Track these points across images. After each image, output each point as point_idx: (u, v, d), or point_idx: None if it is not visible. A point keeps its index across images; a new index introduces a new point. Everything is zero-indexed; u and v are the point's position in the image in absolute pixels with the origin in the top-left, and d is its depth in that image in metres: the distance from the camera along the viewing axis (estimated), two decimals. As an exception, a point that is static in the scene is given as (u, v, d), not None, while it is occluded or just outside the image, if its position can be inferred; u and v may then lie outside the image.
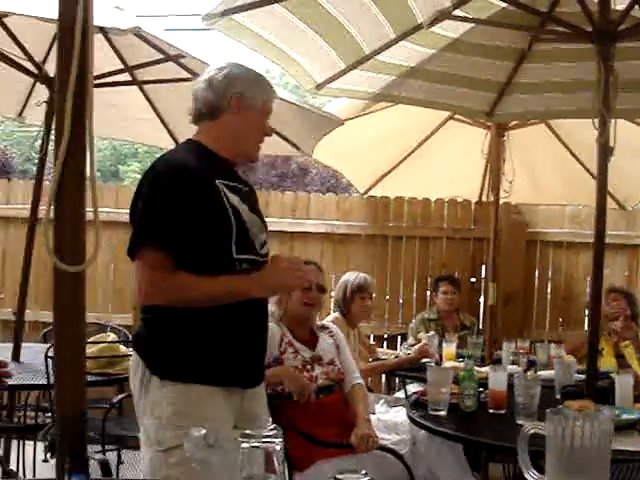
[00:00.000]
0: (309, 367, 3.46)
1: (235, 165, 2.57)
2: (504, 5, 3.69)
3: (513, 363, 4.45)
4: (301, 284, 2.34)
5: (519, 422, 2.82)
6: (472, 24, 3.84)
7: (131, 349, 4.24)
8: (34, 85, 4.75)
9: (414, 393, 3.79)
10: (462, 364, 4.20)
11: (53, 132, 4.20)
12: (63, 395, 1.41)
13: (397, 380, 5.51)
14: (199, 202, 2.32)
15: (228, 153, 2.50)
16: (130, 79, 4.64)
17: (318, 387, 3.42)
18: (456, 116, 5.51)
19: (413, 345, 4.95)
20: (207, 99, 2.48)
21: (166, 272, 2.30)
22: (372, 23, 3.53)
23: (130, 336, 5.19)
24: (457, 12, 3.65)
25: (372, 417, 3.57)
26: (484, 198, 6.23)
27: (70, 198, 1.45)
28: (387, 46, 3.75)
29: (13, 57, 4.01)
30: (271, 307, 3.32)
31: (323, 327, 3.72)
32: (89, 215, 1.49)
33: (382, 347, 5.62)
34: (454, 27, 3.82)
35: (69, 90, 1.51)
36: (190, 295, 2.33)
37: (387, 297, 6.35)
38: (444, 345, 4.69)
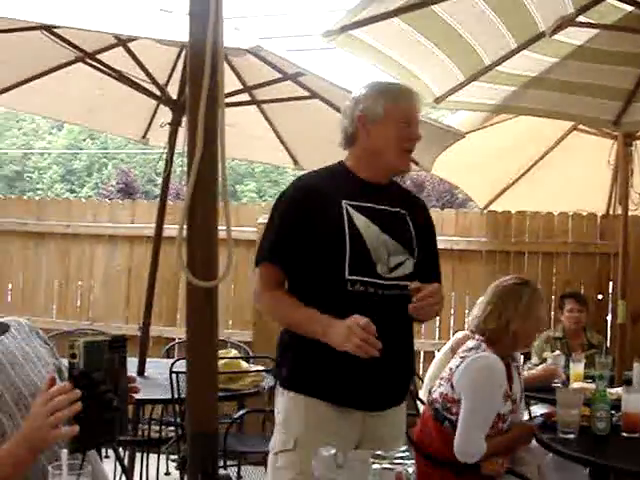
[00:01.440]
0: None
1: (385, 185, 2.56)
2: (630, 9, 3.53)
3: (644, 384, 4.21)
4: (353, 350, 2.24)
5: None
6: (596, 30, 3.70)
7: (252, 365, 4.33)
8: (157, 107, 4.92)
9: (541, 415, 3.64)
10: (591, 385, 4.03)
11: (176, 153, 4.34)
12: (195, 412, 1.41)
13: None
14: (313, 221, 2.39)
15: (369, 173, 2.53)
16: (249, 99, 4.73)
17: None
18: (580, 126, 5.33)
19: (537, 365, 4.78)
20: (343, 126, 2.56)
21: (268, 286, 2.43)
22: (492, 33, 3.45)
23: (250, 351, 5.28)
24: (580, 18, 3.53)
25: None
26: (611, 211, 5.98)
27: (203, 215, 1.46)
28: (508, 56, 3.66)
29: (137, 80, 4.15)
30: (483, 317, 3.17)
31: (513, 357, 3.30)
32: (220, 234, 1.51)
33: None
34: (577, 34, 3.69)
35: (200, 110, 1.52)
36: (275, 315, 2.50)
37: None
38: (571, 365, 4.50)
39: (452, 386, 3.10)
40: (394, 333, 2.42)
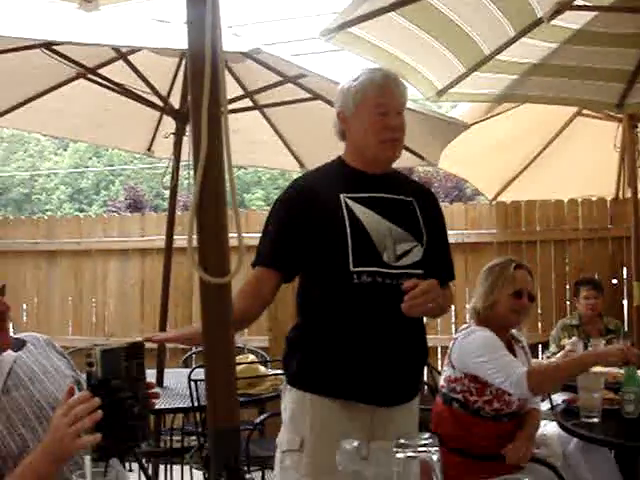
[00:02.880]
0: None
1: (384, 175, 2.52)
2: (628, -11, 3.52)
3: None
4: None
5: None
6: (595, 12, 3.68)
7: (270, 370, 4.33)
8: (160, 118, 4.93)
9: (564, 401, 3.62)
10: (611, 369, 4.01)
11: (182, 162, 4.34)
12: (216, 408, 1.41)
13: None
14: (311, 220, 2.38)
15: (362, 165, 2.50)
16: (251, 104, 4.73)
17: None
18: (584, 111, 5.31)
19: (555, 353, 4.76)
20: (335, 121, 2.56)
21: (249, 286, 2.43)
22: (490, 22, 3.44)
23: (267, 357, 5.28)
24: (578, 1, 3.52)
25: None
26: (620, 195, 5.95)
27: (212, 218, 1.47)
28: (507, 44, 3.64)
29: (139, 92, 4.17)
30: (475, 304, 3.26)
31: (516, 338, 3.37)
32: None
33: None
34: (576, 18, 3.66)
35: (203, 117, 1.53)
36: None
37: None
38: (590, 350, 4.47)
39: (452, 366, 3.18)
40: (404, 324, 2.34)
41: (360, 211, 2.39)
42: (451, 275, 2.65)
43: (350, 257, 2.33)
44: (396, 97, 2.47)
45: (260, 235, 2.50)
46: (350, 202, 2.39)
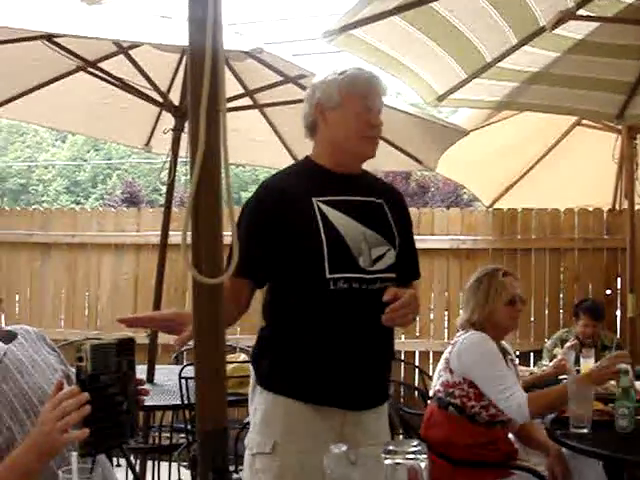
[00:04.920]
0: None
1: (355, 175, 2.47)
2: (630, 1, 3.52)
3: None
4: None
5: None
6: (597, 23, 3.68)
7: (251, 367, 4.32)
8: (160, 114, 4.92)
9: (554, 410, 3.62)
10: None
11: (180, 158, 4.33)
12: (204, 408, 1.40)
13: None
14: (284, 225, 2.30)
15: (334, 164, 2.42)
16: (251, 103, 4.72)
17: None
18: (584, 121, 5.32)
19: (549, 365, 4.75)
20: (304, 115, 2.48)
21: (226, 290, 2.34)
22: (493, 29, 3.45)
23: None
24: (581, 11, 3.51)
25: (510, 436, 3.43)
26: (617, 206, 5.96)
27: (207, 216, 1.46)
28: (509, 52, 3.65)
29: (139, 87, 4.16)
30: (470, 317, 3.26)
31: (506, 350, 3.39)
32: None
33: (515, 364, 5.42)
34: (578, 27, 3.67)
35: (201, 115, 1.52)
36: None
37: (517, 312, 6.14)
38: (582, 360, 4.47)
39: (451, 371, 3.21)
40: (376, 329, 2.32)
41: (333, 215, 2.33)
42: (417, 275, 2.61)
43: (326, 264, 2.27)
44: (380, 97, 2.44)
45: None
46: (323, 206, 2.33)
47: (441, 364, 3.34)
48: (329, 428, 2.30)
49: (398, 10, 3.08)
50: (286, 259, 2.32)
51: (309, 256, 2.29)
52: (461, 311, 3.41)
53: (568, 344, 4.69)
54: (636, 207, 5.24)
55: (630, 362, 3.18)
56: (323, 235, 2.29)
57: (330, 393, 2.31)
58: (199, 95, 1.53)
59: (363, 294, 2.32)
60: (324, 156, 2.44)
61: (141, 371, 4.34)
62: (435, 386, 3.33)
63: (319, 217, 2.31)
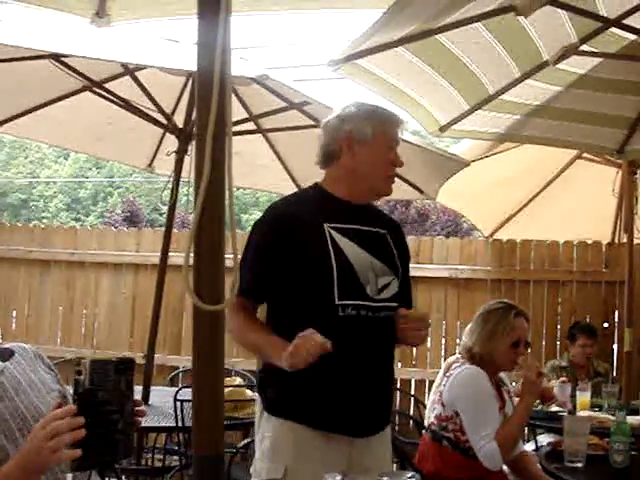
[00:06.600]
0: None
1: (363, 205, 2.52)
2: (633, 37, 3.55)
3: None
4: (305, 363, 2.17)
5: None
6: (600, 59, 3.72)
7: (257, 393, 4.30)
8: (163, 136, 4.95)
9: (549, 443, 3.60)
10: (598, 414, 4.00)
11: (182, 182, 4.35)
12: (201, 435, 1.40)
13: (526, 430, 5.28)
14: (294, 249, 2.32)
15: (348, 194, 2.47)
16: (255, 127, 4.75)
17: None
18: (584, 155, 5.35)
19: (543, 395, 4.73)
20: (323, 144, 2.50)
21: (242, 311, 2.35)
22: (496, 62, 3.47)
23: (255, 380, 5.25)
24: (584, 47, 3.54)
25: (504, 468, 3.41)
26: (616, 239, 5.97)
27: (209, 240, 1.47)
28: (512, 85, 3.68)
29: (143, 109, 4.19)
30: (472, 346, 3.25)
31: (502, 381, 3.43)
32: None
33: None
34: (581, 63, 3.71)
35: (208, 138, 1.54)
36: (240, 338, 2.44)
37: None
38: (577, 393, 4.46)
39: (443, 404, 3.20)
40: (380, 356, 2.42)
41: (343, 242, 2.37)
42: (410, 305, 2.63)
43: (335, 290, 2.30)
44: (399, 138, 2.53)
45: (240, 260, 2.38)
46: (333, 232, 2.37)
47: (434, 395, 3.33)
48: (338, 453, 2.33)
49: (403, 41, 3.10)
50: (295, 283, 2.33)
51: (319, 281, 2.32)
52: (465, 335, 3.38)
53: (562, 379, 4.69)
54: (635, 241, 5.26)
55: (537, 365, 3.40)
56: (334, 261, 2.32)
57: (339, 421, 2.34)
58: (206, 118, 1.55)
59: (370, 321, 2.36)
60: (340, 186, 2.47)
61: (136, 392, 4.31)
62: (429, 418, 3.33)
63: (330, 242, 2.34)
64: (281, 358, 2.19)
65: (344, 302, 2.31)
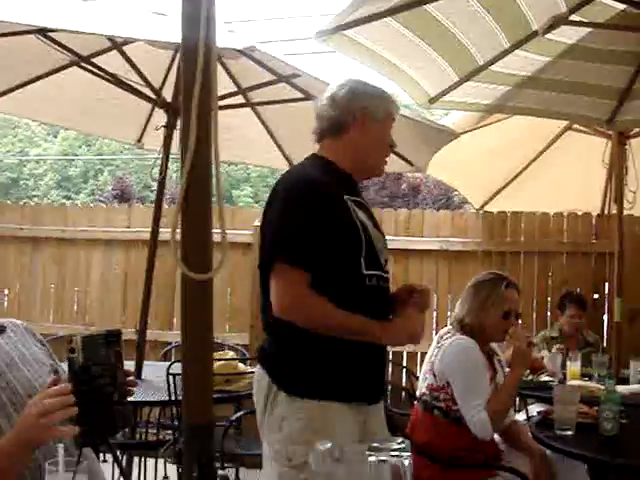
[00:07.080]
0: None
1: (357, 181, 2.58)
2: (622, 7, 3.55)
3: (640, 382, 4.23)
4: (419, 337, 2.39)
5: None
6: (589, 29, 3.71)
7: (249, 367, 4.32)
8: (152, 111, 4.92)
9: (539, 412, 3.64)
10: (588, 383, 4.04)
11: (172, 155, 4.34)
12: (190, 404, 1.41)
13: (517, 400, 5.32)
14: (331, 217, 2.33)
15: (352, 169, 2.51)
16: (243, 101, 4.73)
17: None
18: (574, 126, 5.35)
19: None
20: (331, 116, 2.50)
21: (305, 289, 2.29)
22: (485, 33, 3.46)
23: (247, 354, 5.27)
24: (573, 17, 3.53)
25: (496, 437, 3.44)
26: (606, 210, 5.99)
27: (197, 210, 1.47)
28: (501, 56, 3.67)
29: (132, 84, 4.16)
30: (463, 317, 3.30)
31: (494, 352, 3.44)
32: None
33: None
34: (570, 33, 3.70)
35: (193, 112, 1.53)
36: (324, 321, 2.32)
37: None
38: (568, 364, 4.50)
39: (434, 375, 3.25)
40: None
41: (360, 215, 2.42)
42: None
43: (362, 260, 2.36)
44: None
45: (278, 226, 2.35)
46: (352, 205, 2.41)
47: (426, 365, 3.36)
48: (358, 424, 2.40)
49: (392, 12, 3.09)
50: (327, 252, 2.32)
51: (350, 251, 2.36)
52: (457, 306, 3.42)
53: (558, 346, 4.73)
54: (625, 212, 5.28)
55: (528, 335, 3.54)
56: (362, 233, 2.38)
57: (362, 388, 2.42)
58: (191, 91, 1.54)
59: (384, 291, 2.47)
60: (344, 159, 2.50)
61: (129, 367, 4.32)
62: (421, 388, 3.36)
63: (355, 215, 2.39)
64: (387, 333, 2.36)
65: (370, 272, 2.39)
